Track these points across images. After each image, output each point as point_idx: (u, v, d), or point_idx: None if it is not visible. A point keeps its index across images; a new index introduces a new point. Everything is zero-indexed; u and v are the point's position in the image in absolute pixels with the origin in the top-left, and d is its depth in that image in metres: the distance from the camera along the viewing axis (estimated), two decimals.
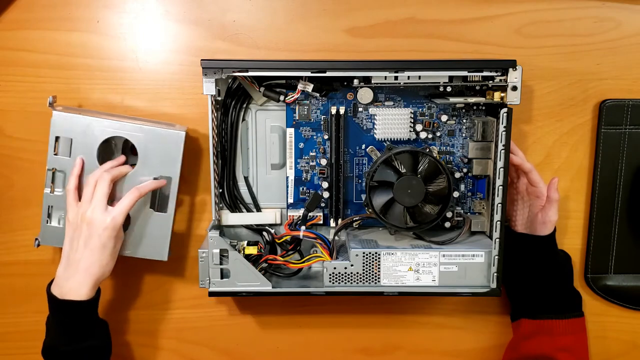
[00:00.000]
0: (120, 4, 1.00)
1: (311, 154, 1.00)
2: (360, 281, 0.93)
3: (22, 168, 1.02)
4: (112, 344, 0.97)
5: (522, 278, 1.00)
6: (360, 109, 0.99)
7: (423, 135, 0.99)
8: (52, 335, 0.92)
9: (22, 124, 1.01)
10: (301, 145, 1.00)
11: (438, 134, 1.00)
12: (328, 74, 0.91)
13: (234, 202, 1.02)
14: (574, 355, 0.97)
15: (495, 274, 0.93)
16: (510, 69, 0.89)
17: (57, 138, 0.94)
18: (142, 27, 1.00)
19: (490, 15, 1.01)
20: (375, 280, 0.93)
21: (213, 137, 0.94)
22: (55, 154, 0.94)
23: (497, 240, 0.92)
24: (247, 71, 0.91)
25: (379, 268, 0.93)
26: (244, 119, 1.00)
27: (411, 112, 0.98)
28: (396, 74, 0.91)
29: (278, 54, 1.01)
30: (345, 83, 0.97)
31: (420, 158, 0.92)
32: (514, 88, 0.90)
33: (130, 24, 1.00)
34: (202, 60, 0.90)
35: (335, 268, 0.93)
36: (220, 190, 1.01)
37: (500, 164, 0.91)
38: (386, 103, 0.99)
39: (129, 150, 1.00)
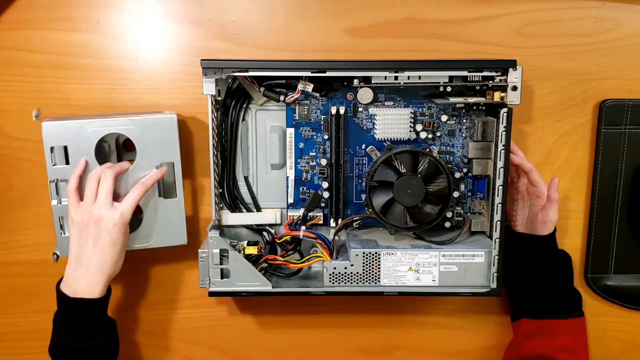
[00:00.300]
0: (120, 4, 1.00)
1: (311, 154, 1.00)
2: (360, 281, 0.93)
3: (22, 168, 1.02)
4: None
5: (522, 278, 1.00)
6: (360, 109, 0.99)
7: (423, 135, 0.99)
8: (61, 334, 0.92)
9: (22, 124, 1.01)
10: (301, 145, 1.00)
11: (438, 134, 1.00)
12: (328, 74, 0.91)
13: (234, 202, 1.02)
14: (574, 355, 0.97)
15: (495, 274, 0.93)
16: (510, 69, 0.89)
17: (52, 149, 0.93)
18: (142, 27, 1.00)
19: (490, 15, 1.01)
20: (375, 280, 0.93)
21: (213, 137, 0.94)
22: (54, 165, 0.94)
23: (497, 240, 0.92)
24: (247, 71, 0.91)
25: (379, 268, 0.93)
26: (244, 119, 1.00)
27: (411, 112, 0.98)
28: (396, 74, 0.91)
29: (278, 54, 1.01)
30: (345, 83, 0.98)
31: (420, 158, 0.92)
32: (514, 88, 0.90)
33: (130, 24, 1.00)
34: (202, 60, 0.90)
35: (335, 268, 0.93)
36: (220, 190, 1.01)
37: (500, 164, 0.91)
38: (386, 103, 0.99)
39: (123, 149, 1.00)
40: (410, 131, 0.98)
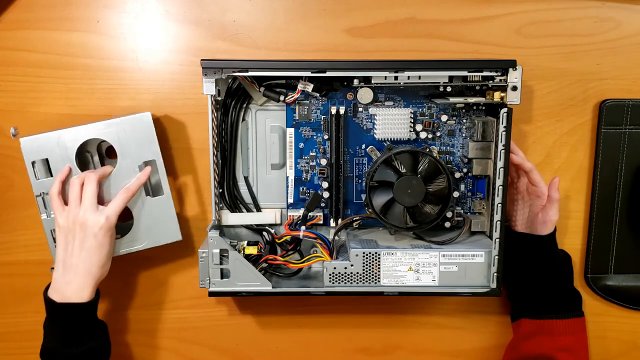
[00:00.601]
0: (120, 4, 1.00)
1: (311, 154, 1.00)
2: (360, 281, 0.93)
3: (22, 168, 1.01)
4: (112, 344, 0.97)
5: (522, 278, 1.00)
6: (360, 109, 0.99)
7: (423, 135, 0.99)
8: (51, 339, 0.92)
9: (22, 124, 1.00)
10: (301, 145, 1.00)
11: (438, 134, 1.00)
12: (328, 74, 0.91)
13: (234, 202, 1.02)
14: (574, 355, 0.97)
15: (495, 274, 0.93)
16: (510, 69, 0.89)
17: (33, 163, 0.93)
18: (142, 27, 1.00)
19: (490, 15, 1.01)
20: (375, 280, 0.93)
21: (213, 137, 0.94)
22: (37, 179, 0.94)
23: (497, 240, 0.92)
24: (247, 71, 0.91)
25: (379, 268, 0.93)
26: (244, 119, 1.00)
27: (411, 112, 0.98)
28: (396, 74, 0.91)
29: (278, 54, 1.01)
30: (345, 83, 0.98)
31: (420, 158, 0.92)
32: (514, 88, 0.90)
33: (130, 24, 1.00)
34: (202, 60, 0.90)
35: (335, 268, 0.93)
36: (220, 190, 1.01)
37: (500, 164, 0.91)
38: (386, 103, 0.99)
39: (105, 155, 1.00)
40: (410, 131, 0.98)
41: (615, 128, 1.03)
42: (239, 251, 0.96)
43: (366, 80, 0.94)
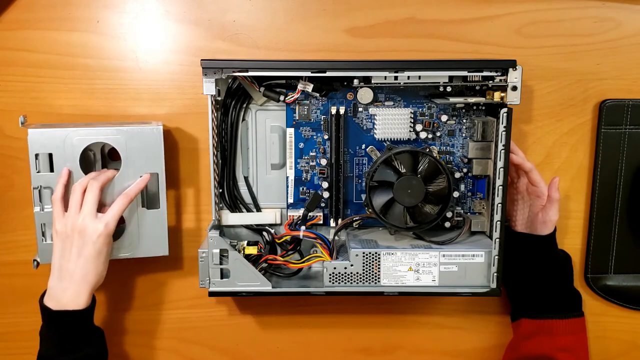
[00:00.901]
0: (120, 4, 1.00)
1: (311, 154, 1.00)
2: (360, 281, 0.93)
3: (22, 168, 1.01)
4: (112, 345, 0.97)
5: (522, 278, 1.00)
6: (360, 109, 0.99)
7: (423, 135, 0.99)
8: (47, 346, 0.91)
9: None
10: (301, 145, 1.00)
11: (438, 134, 1.00)
12: (328, 74, 0.91)
13: (234, 202, 1.02)
14: (574, 355, 0.97)
15: (495, 274, 0.93)
16: (510, 69, 0.89)
17: (36, 155, 0.93)
18: (142, 27, 1.00)
19: (490, 15, 1.01)
20: (375, 280, 0.93)
21: (213, 137, 0.94)
22: (38, 172, 0.94)
23: (497, 240, 0.92)
24: (247, 71, 0.91)
25: (379, 268, 0.93)
26: (244, 119, 1.00)
27: (411, 112, 0.98)
28: (396, 74, 0.91)
29: (278, 54, 1.01)
30: (345, 83, 0.98)
31: (420, 158, 0.92)
32: (514, 88, 0.90)
33: (130, 24, 1.00)
34: (202, 60, 0.90)
35: (335, 268, 0.93)
36: (220, 190, 1.01)
37: (500, 164, 0.91)
38: (386, 103, 0.99)
39: (108, 158, 1.00)
40: (410, 131, 0.98)
41: (615, 128, 1.03)
42: (239, 251, 0.96)
43: (366, 80, 0.94)
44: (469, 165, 1.00)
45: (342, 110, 0.97)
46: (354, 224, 1.01)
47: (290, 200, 1.01)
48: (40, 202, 0.94)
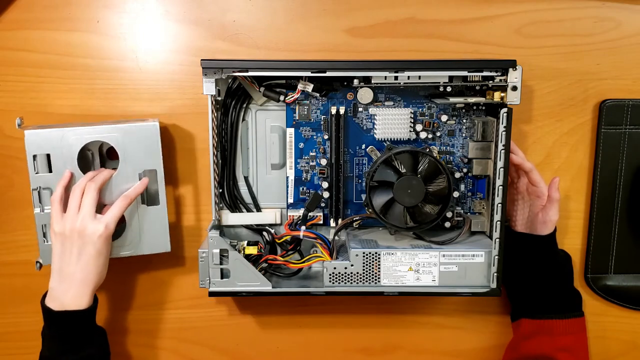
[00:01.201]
0: (120, 4, 1.00)
1: (311, 154, 1.00)
2: (360, 281, 0.93)
3: (22, 168, 1.01)
4: (113, 345, 0.97)
5: (522, 278, 1.00)
6: (360, 109, 0.99)
7: (423, 135, 0.99)
8: (49, 346, 0.91)
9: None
10: (301, 145, 1.00)
11: (438, 134, 1.00)
12: (328, 74, 0.91)
13: (234, 202, 1.02)
14: (574, 355, 0.97)
15: (495, 274, 0.93)
16: (510, 69, 0.89)
17: (34, 157, 0.93)
18: (142, 27, 1.00)
19: (490, 15, 1.01)
20: (375, 280, 0.93)
21: (213, 137, 0.94)
22: (37, 173, 0.93)
23: (497, 240, 0.92)
24: (247, 71, 0.91)
25: (379, 268, 0.93)
26: (244, 119, 1.00)
27: (411, 112, 0.98)
28: (396, 74, 0.91)
29: (278, 54, 1.01)
30: (345, 83, 0.98)
31: (420, 158, 0.92)
32: (514, 88, 0.90)
33: (130, 24, 1.00)
34: (202, 60, 0.90)
35: (335, 268, 0.93)
36: (220, 190, 1.01)
37: (500, 164, 0.91)
38: (386, 103, 0.99)
39: (107, 157, 1.00)
40: (410, 131, 0.98)
41: (615, 128, 1.03)
42: (239, 251, 0.96)
43: (366, 80, 0.94)
44: (469, 165, 1.00)
45: (342, 110, 0.97)
46: (354, 224, 1.01)
47: (290, 200, 1.01)
48: (40, 204, 0.94)
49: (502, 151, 0.90)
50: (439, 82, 0.93)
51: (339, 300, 1.07)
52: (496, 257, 0.92)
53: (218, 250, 0.92)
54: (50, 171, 0.94)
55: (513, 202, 1.01)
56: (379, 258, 0.93)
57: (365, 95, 0.98)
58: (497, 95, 0.92)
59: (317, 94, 0.97)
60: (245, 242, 1.00)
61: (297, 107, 0.99)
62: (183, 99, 1.02)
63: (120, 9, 1.00)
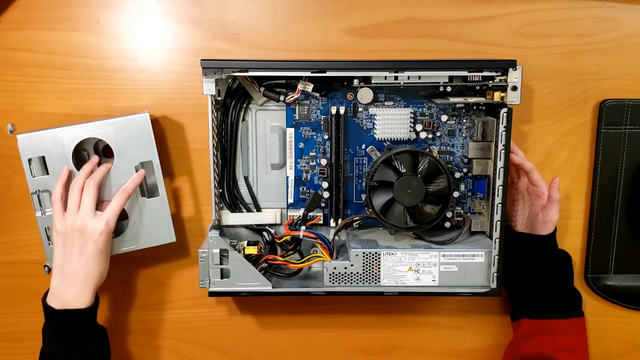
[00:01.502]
0: (120, 4, 1.00)
1: (311, 154, 1.00)
2: (360, 281, 0.93)
3: (22, 168, 1.01)
4: (113, 345, 0.97)
5: (523, 277, 1.00)
6: (360, 109, 0.99)
7: (423, 135, 0.99)
8: (50, 344, 0.91)
9: (22, 124, 1.00)
10: (301, 145, 1.00)
11: (438, 134, 1.00)
12: (328, 74, 0.91)
13: (234, 202, 1.02)
14: (574, 355, 0.97)
15: (495, 274, 0.93)
16: (510, 69, 0.89)
17: (29, 160, 0.93)
18: (142, 27, 1.00)
19: (490, 15, 1.01)
20: (375, 280, 0.93)
21: (213, 137, 0.94)
22: (34, 176, 0.94)
23: (497, 240, 0.92)
24: (247, 71, 0.91)
25: (379, 268, 0.93)
26: (244, 119, 1.00)
27: (411, 112, 0.98)
28: (396, 74, 0.91)
29: (278, 54, 1.01)
30: (345, 83, 0.98)
31: (420, 158, 0.92)
32: (514, 88, 0.90)
33: (130, 24, 1.00)
34: (202, 60, 0.90)
35: (335, 268, 0.93)
36: (220, 190, 1.01)
37: (500, 164, 0.91)
38: (386, 103, 0.99)
39: (103, 155, 1.00)
40: (410, 131, 0.98)
41: (615, 128, 1.03)
42: (239, 251, 0.96)
43: (366, 80, 0.94)
44: (469, 165, 1.00)
45: (342, 110, 0.97)
46: (354, 224, 1.01)
47: (290, 200, 1.01)
48: (41, 207, 0.95)
49: (502, 151, 0.90)
50: (439, 82, 0.93)
51: (339, 300, 1.07)
52: (496, 257, 0.92)
53: (218, 250, 0.92)
54: (47, 173, 0.94)
55: (513, 202, 1.01)
56: (379, 258, 0.93)
57: (365, 95, 0.98)
58: (497, 95, 0.92)
59: (317, 94, 0.97)
60: (245, 242, 1.00)
61: (297, 107, 0.99)
62: (183, 99, 1.02)
63: (120, 9, 1.00)
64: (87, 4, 0.99)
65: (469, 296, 0.94)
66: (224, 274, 0.93)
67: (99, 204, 0.93)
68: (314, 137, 1.00)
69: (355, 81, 0.93)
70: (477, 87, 0.97)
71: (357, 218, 1.00)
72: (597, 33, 1.02)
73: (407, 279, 0.93)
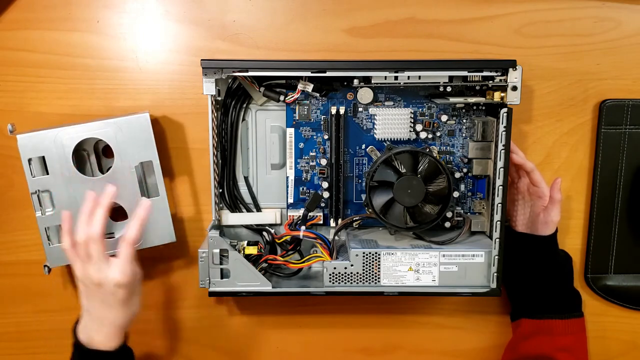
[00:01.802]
0: (120, 4, 1.00)
1: (311, 154, 1.00)
2: (360, 281, 0.93)
3: (22, 168, 1.01)
4: None
5: (523, 278, 1.00)
6: (360, 109, 0.99)
7: (423, 135, 0.99)
8: None
9: (22, 124, 1.00)
10: (301, 145, 1.00)
11: (438, 134, 1.00)
12: (328, 74, 0.91)
13: (234, 202, 1.02)
14: (574, 356, 0.97)
15: (495, 274, 0.93)
16: (510, 69, 0.89)
17: (29, 160, 0.93)
18: (142, 27, 1.00)
19: (490, 15, 1.01)
20: (375, 280, 0.93)
21: (213, 137, 0.94)
22: (34, 177, 0.93)
23: (497, 240, 0.92)
24: (247, 71, 0.91)
25: (379, 268, 0.93)
26: (244, 119, 1.00)
27: (411, 112, 0.98)
28: (396, 74, 0.91)
29: (278, 54, 1.01)
30: (345, 83, 0.98)
31: (420, 158, 0.92)
32: (514, 88, 0.90)
33: (130, 24, 1.00)
34: (202, 60, 0.90)
35: (335, 268, 0.93)
36: (220, 190, 1.01)
37: (500, 164, 0.91)
38: (386, 103, 0.99)
39: (103, 155, 1.00)
40: (410, 131, 0.98)
41: (615, 128, 1.03)
42: (239, 251, 0.96)
43: (366, 80, 0.94)
44: (469, 165, 1.00)
45: (342, 110, 0.97)
46: (354, 224, 1.01)
47: (290, 200, 1.01)
48: (41, 207, 0.94)
49: (502, 151, 0.90)
50: (439, 82, 0.93)
51: (339, 300, 1.07)
52: (496, 257, 0.92)
53: (218, 250, 0.92)
54: (47, 173, 0.94)
55: (513, 202, 1.01)
56: (379, 258, 0.93)
57: (365, 95, 0.98)
58: (497, 95, 0.92)
59: (317, 94, 0.97)
60: (245, 242, 1.00)
61: (297, 107, 0.99)
62: (183, 99, 1.02)
63: (120, 9, 1.00)
64: (87, 4, 0.99)
65: (469, 296, 0.94)
66: (224, 274, 0.93)
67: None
68: (314, 137, 1.00)
69: (355, 81, 0.93)
70: (477, 87, 0.97)
71: (357, 218, 1.00)
72: (597, 33, 1.02)
73: (407, 279, 0.93)
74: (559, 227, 1.00)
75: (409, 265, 0.93)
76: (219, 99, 0.98)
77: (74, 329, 0.90)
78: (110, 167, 0.96)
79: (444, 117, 0.98)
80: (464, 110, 0.99)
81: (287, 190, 1.01)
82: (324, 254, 0.95)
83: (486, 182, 0.99)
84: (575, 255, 1.06)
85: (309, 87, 0.95)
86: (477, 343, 1.11)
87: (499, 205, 0.91)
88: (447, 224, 1.00)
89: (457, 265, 0.93)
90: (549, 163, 1.05)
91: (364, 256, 0.92)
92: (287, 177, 1.01)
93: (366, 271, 0.93)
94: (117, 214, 0.99)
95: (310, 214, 0.99)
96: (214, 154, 0.95)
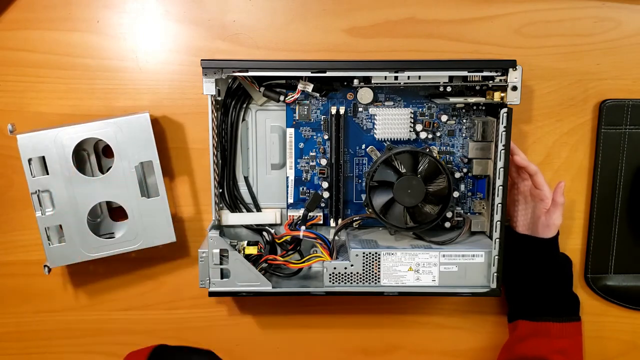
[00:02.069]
0: (120, 4, 1.00)
1: (311, 154, 1.00)
2: (360, 281, 0.93)
3: (22, 168, 1.01)
4: (112, 344, 0.97)
5: (522, 279, 1.00)
6: (360, 109, 0.99)
7: (423, 135, 0.99)
8: None
9: (22, 124, 1.00)
10: (301, 145, 1.00)
11: (438, 134, 1.00)
12: (328, 74, 0.91)
13: (234, 202, 1.02)
14: (569, 358, 0.97)
15: (495, 274, 0.93)
16: (510, 69, 0.89)
17: (29, 160, 0.93)
18: (142, 27, 1.00)
19: (490, 15, 1.01)
20: (375, 280, 0.93)
21: (213, 137, 0.94)
22: (34, 176, 0.93)
23: (497, 240, 0.92)
24: (247, 71, 0.91)
25: (379, 268, 0.93)
26: (244, 119, 1.00)
27: (411, 112, 0.98)
28: (396, 74, 0.91)
29: (278, 54, 1.01)
30: (345, 83, 0.98)
31: (420, 158, 0.92)
32: (514, 88, 0.90)
33: (130, 24, 1.00)
34: (202, 60, 0.90)
35: (335, 268, 0.93)
36: (220, 190, 1.01)
37: (500, 164, 0.91)
38: (386, 103, 0.99)
39: (103, 155, 1.00)
40: (410, 131, 0.98)
41: (615, 128, 1.03)
42: (239, 251, 0.96)
43: (366, 80, 0.94)
44: (469, 165, 1.00)
45: (342, 110, 0.97)
46: (354, 224, 1.01)
47: (290, 200, 1.01)
48: (41, 207, 0.94)
49: (502, 151, 0.90)
50: (439, 82, 0.93)
51: (339, 300, 1.07)
52: (496, 257, 0.92)
53: (218, 250, 0.92)
54: (47, 173, 0.94)
55: (514, 203, 1.01)
56: (379, 258, 0.93)
57: (365, 95, 0.98)
58: (497, 95, 0.92)
59: (317, 94, 0.97)
60: (245, 242, 1.00)
61: (297, 107, 0.99)
62: (183, 99, 1.02)
63: (120, 9, 1.00)
64: (87, 4, 0.99)
65: (469, 296, 0.94)
66: (224, 274, 0.93)
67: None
68: (314, 137, 1.00)
69: (355, 81, 0.93)
70: (477, 87, 0.97)
71: (357, 218, 1.00)
72: (597, 33, 1.02)
73: (407, 279, 0.93)
74: (559, 228, 1.00)
75: (409, 266, 0.93)
76: (219, 99, 0.98)
77: None
78: (110, 167, 0.96)
79: (444, 117, 0.99)
80: (464, 110, 0.99)
81: (287, 190, 1.01)
82: (324, 254, 0.95)
83: (486, 182, 0.99)
84: (575, 255, 1.07)
85: (309, 87, 0.95)
86: (477, 343, 1.11)
87: (499, 205, 0.91)
88: (447, 224, 1.00)
89: (457, 265, 0.93)
90: (549, 163, 1.05)
91: (364, 256, 0.92)
92: (287, 177, 1.01)
93: (366, 271, 0.93)
94: (117, 214, 0.99)
95: (310, 214, 0.99)
96: (214, 154, 0.95)
